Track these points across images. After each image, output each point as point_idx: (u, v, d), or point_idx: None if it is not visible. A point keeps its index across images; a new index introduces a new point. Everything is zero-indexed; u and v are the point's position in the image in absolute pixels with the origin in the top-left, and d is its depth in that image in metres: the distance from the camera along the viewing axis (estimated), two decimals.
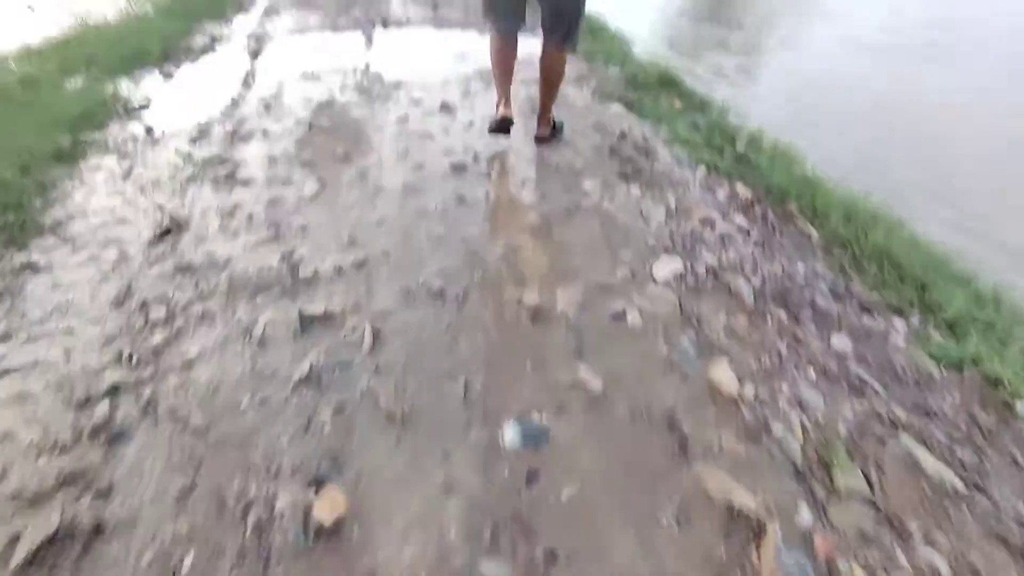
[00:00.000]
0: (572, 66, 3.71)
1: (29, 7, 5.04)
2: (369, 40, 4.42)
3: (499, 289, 1.69)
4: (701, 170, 2.48)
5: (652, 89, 3.62)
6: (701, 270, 1.79)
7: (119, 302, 1.64)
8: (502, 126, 2.42)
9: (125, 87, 3.37)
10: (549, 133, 2.60)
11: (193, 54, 4.00)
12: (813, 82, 5.01)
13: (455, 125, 2.83)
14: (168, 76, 3.59)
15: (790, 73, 5.21)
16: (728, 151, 2.74)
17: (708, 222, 2.08)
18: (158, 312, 1.58)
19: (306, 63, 3.83)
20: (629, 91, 3.48)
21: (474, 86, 3.41)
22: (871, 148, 3.85)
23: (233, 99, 3.22)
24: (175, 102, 3.21)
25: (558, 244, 1.93)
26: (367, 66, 3.80)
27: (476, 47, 4.23)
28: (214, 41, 4.33)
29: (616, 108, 3.15)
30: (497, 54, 2.48)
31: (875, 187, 2.53)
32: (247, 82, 3.50)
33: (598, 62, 4.06)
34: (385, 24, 4.84)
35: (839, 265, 1.95)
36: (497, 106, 2.51)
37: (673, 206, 2.17)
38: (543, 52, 2.41)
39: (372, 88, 3.36)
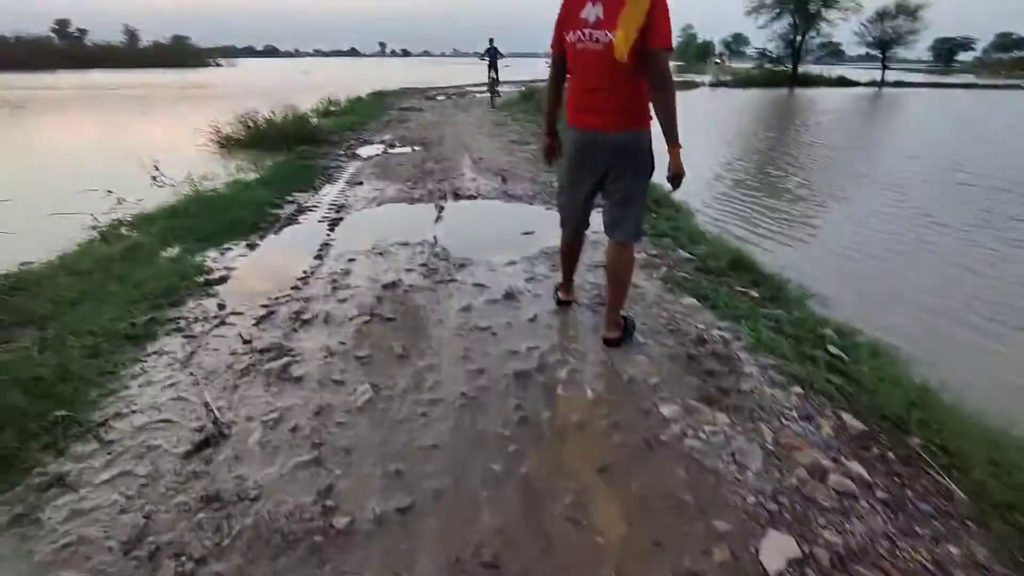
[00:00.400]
0: (637, 246, 3.71)
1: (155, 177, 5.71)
2: (440, 213, 4.65)
3: (566, 572, 1.37)
4: (795, 390, 2.18)
5: (724, 275, 3.47)
6: (824, 558, 1.41)
7: (129, 547, 1.44)
8: (561, 303, 2.81)
9: (212, 258, 3.57)
10: (618, 335, 2.43)
11: (279, 224, 4.30)
12: (880, 252, 4.78)
13: (519, 318, 2.72)
14: (252, 247, 3.82)
15: (855, 244, 5.01)
16: (821, 358, 2.45)
17: (817, 471, 1.73)
18: (167, 571, 1.36)
19: (378, 235, 4.00)
20: (701, 278, 3.34)
21: (539, 269, 3.38)
22: (957, 328, 3.44)
23: (305, 273, 3.32)
24: (252, 275, 3.34)
25: (636, 497, 1.62)
26: (435, 241, 3.91)
27: (542, 223, 4.34)
28: (300, 211, 4.67)
29: (689, 301, 2.97)
30: (565, 246, 2.66)
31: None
32: (320, 255, 3.65)
33: (663, 240, 4.03)
34: (456, 196, 5.14)
35: (1007, 551, 1.51)
36: (558, 288, 2.88)
37: (770, 444, 1.85)
38: (608, 248, 2.37)
39: (438, 268, 3.39)
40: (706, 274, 3.47)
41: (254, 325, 2.67)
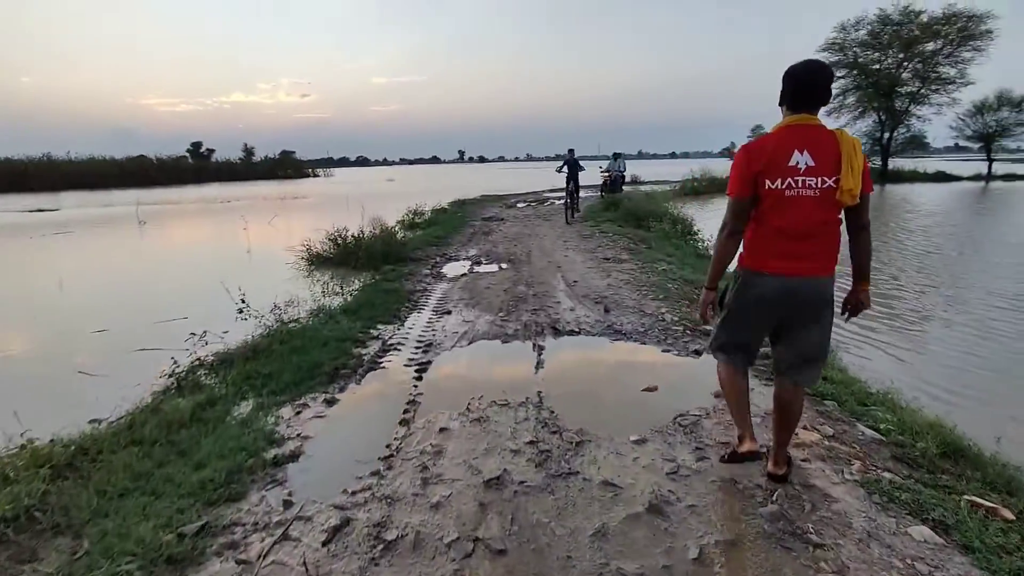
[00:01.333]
0: (805, 423, 2.85)
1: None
2: (539, 354, 4.04)
3: None
4: None
5: (937, 469, 2.52)
6: None
7: None
8: (752, 458, 2.45)
9: (286, 420, 3.09)
10: (787, 471, 2.37)
11: (362, 370, 3.83)
12: None
13: (678, 555, 1.93)
14: (331, 403, 3.32)
15: None
16: None
17: None
18: None
19: (472, 387, 3.43)
20: (911, 479, 2.41)
21: (682, 455, 2.60)
22: None
23: (389, 451, 2.72)
24: (328, 448, 2.79)
25: None
26: (540, 399, 3.25)
27: (663, 374, 3.60)
28: (384, 350, 4.23)
29: (920, 532, 2.05)
30: (733, 385, 2.41)
31: None
32: (406, 418, 3.07)
33: (826, 403, 3.15)
34: (556, 332, 4.54)
35: None
36: (741, 440, 2.47)
37: None
38: (781, 387, 2.30)
39: (550, 449, 2.69)
40: (913, 468, 2.54)
41: (322, 545, 2.05)
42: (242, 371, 3.72)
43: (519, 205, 18.02)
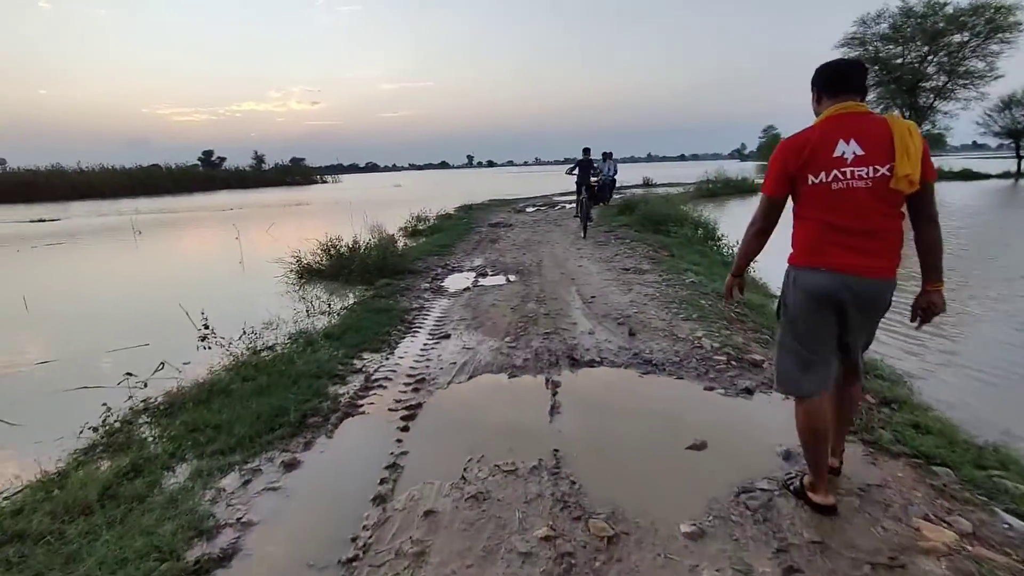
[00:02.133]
0: (926, 511, 2.04)
1: None
2: (554, 395, 3.29)
3: None
4: None
5: None
6: None
7: None
8: (824, 512, 2.07)
9: (227, 496, 2.37)
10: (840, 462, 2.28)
11: (335, 417, 3.11)
12: None
13: None
14: (290, 466, 2.60)
15: None
16: None
17: None
18: None
19: (470, 443, 2.70)
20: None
21: (756, 560, 1.84)
22: None
23: (355, 550, 2.00)
24: (273, 542, 2.07)
25: None
26: (557, 464, 2.51)
27: (710, 421, 2.84)
28: (366, 388, 3.51)
29: None
30: (815, 420, 2.05)
31: None
32: (382, 494, 2.34)
33: (950, 485, 2.37)
34: (573, 362, 3.80)
35: None
36: (814, 489, 2.12)
37: None
38: (849, 390, 2.16)
39: (575, 551, 1.95)
40: None
41: None
42: (188, 420, 3.01)
43: (528, 210, 17.29)
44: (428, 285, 6.47)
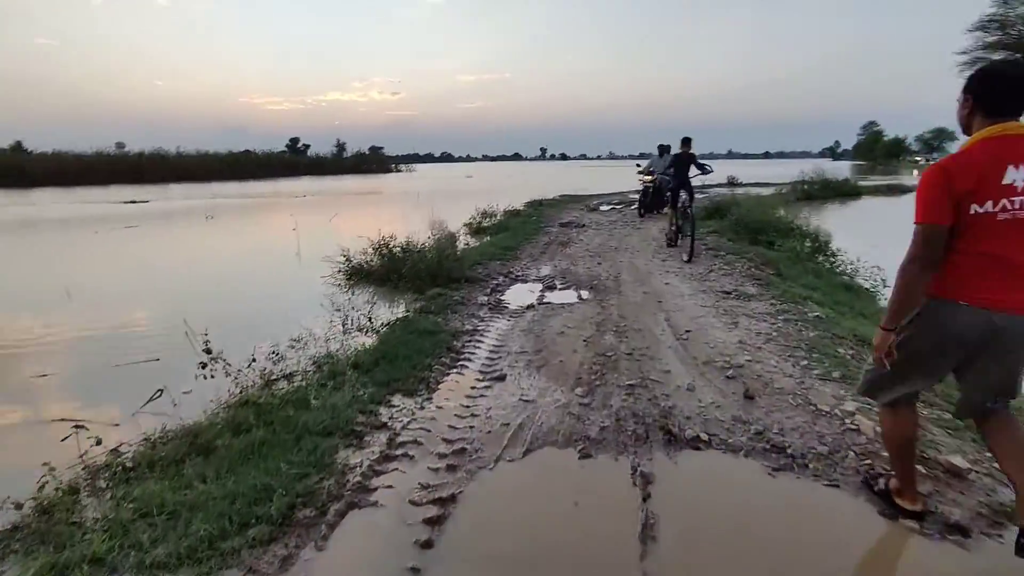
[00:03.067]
0: None
1: None
2: (646, 496, 2.25)
3: None
4: None
5: None
6: None
7: None
8: (914, 519, 2.05)
9: None
10: None
11: (336, 507, 2.23)
12: None
13: None
14: None
15: None
16: None
17: None
18: None
19: None
20: None
21: None
22: None
23: None
24: None
25: None
26: None
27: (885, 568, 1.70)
28: (387, 457, 2.62)
29: None
30: (903, 435, 2.06)
31: None
32: None
33: None
34: (669, 437, 2.73)
35: None
36: (900, 493, 2.12)
37: None
38: (1010, 421, 1.88)
39: None
40: None
41: None
42: (143, 498, 2.24)
43: (602, 208, 16.03)
44: (486, 299, 5.54)
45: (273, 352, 4.00)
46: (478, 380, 3.52)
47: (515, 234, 9.72)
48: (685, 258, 7.16)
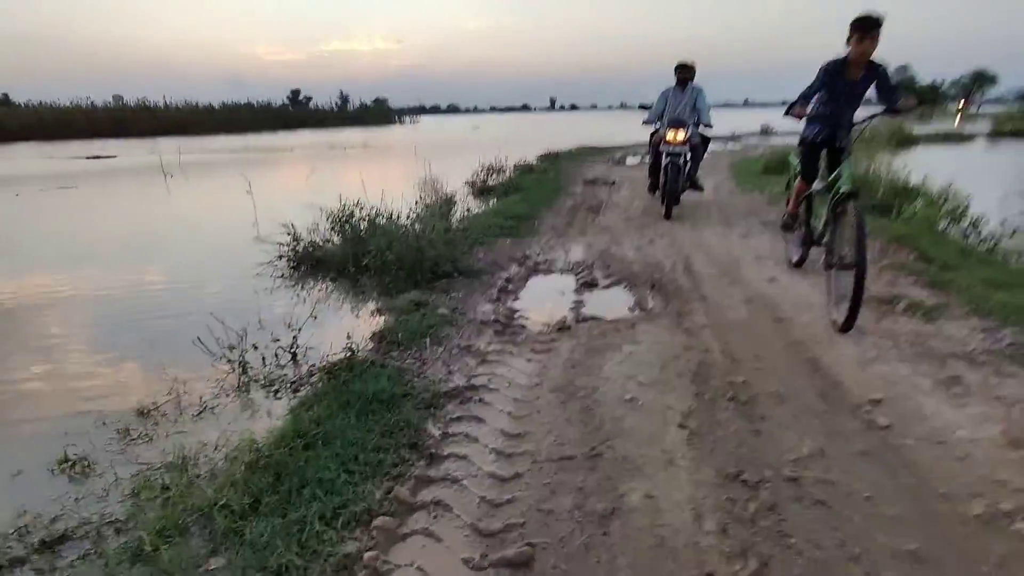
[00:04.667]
0: None
1: None
2: None
3: None
4: None
5: None
6: None
7: None
8: None
9: None
10: None
11: None
12: None
13: None
14: None
15: None
16: None
17: None
18: None
19: None
20: None
21: None
22: None
23: None
24: None
25: None
26: None
27: None
28: None
29: None
30: None
31: None
32: None
33: None
34: None
35: None
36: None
37: None
38: None
39: None
40: None
41: None
42: None
43: (629, 161, 13.66)
44: (490, 310, 3.48)
45: (82, 468, 2.02)
46: (468, 556, 1.52)
47: (529, 197, 7.51)
48: (665, 215, 5.98)
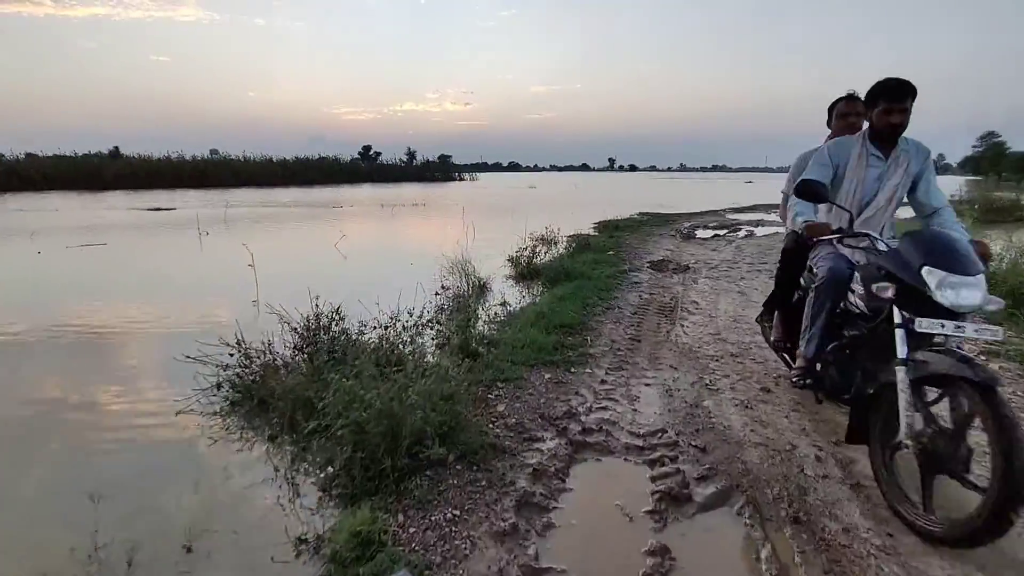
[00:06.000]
0: None
1: None
2: None
3: None
4: None
5: None
6: None
7: None
8: None
9: None
10: None
11: None
12: None
13: None
14: None
15: None
16: None
17: None
18: None
19: None
20: None
21: None
22: None
23: None
24: None
25: None
26: None
27: None
28: None
29: None
30: None
31: None
32: None
33: None
34: None
35: None
36: None
37: None
38: None
39: None
40: None
41: None
42: None
43: (699, 234, 11.97)
44: (498, 562, 1.87)
45: None
46: None
47: (583, 288, 5.95)
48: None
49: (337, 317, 3.59)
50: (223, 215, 15.86)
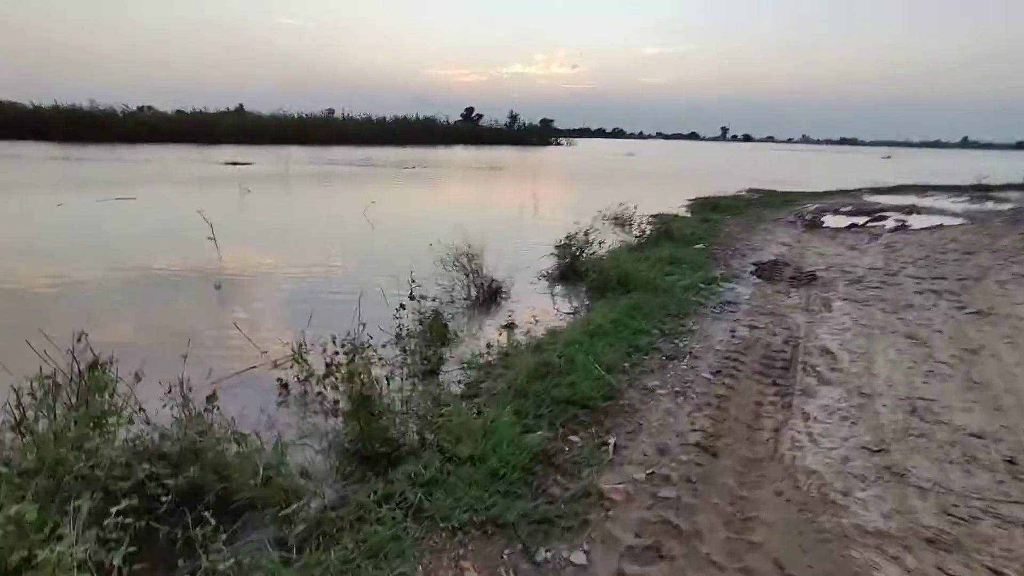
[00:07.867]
0: None
1: None
2: None
3: None
4: None
5: None
6: None
7: None
8: None
9: None
10: None
11: None
12: None
13: None
14: None
15: None
16: None
17: None
18: None
19: None
20: None
21: None
22: None
23: None
24: None
25: None
26: None
27: None
28: None
29: None
30: None
31: None
32: None
33: None
34: None
35: None
36: None
37: None
38: None
39: None
40: None
41: None
42: None
43: (827, 222, 9.01)
44: None
45: None
46: None
47: (645, 308, 3.83)
48: None
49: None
50: (284, 171, 15.13)
